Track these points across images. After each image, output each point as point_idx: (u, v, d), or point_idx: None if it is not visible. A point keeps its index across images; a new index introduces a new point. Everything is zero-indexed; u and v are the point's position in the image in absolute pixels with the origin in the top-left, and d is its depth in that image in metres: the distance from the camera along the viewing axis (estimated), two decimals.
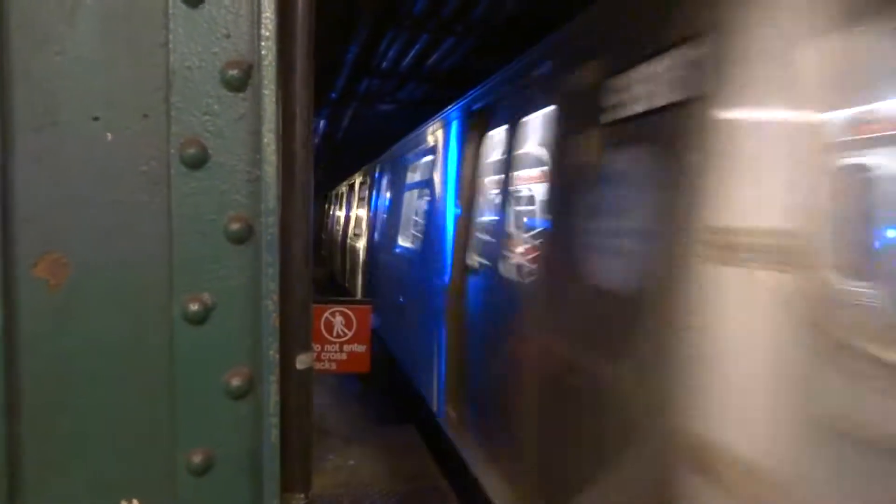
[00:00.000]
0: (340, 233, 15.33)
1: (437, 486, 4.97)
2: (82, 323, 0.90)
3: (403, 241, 7.67)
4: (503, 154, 4.14)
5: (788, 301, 1.59)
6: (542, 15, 5.46)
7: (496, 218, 4.42)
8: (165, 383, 0.94)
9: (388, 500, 4.67)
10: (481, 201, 4.83)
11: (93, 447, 0.93)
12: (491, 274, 4.15)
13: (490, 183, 4.84)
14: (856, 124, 2.77)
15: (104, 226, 0.90)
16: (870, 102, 2.67)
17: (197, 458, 0.95)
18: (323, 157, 17.30)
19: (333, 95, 9.91)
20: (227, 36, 0.90)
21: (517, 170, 4.64)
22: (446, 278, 5.00)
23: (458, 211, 4.83)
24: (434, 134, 5.94)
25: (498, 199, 4.50)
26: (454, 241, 4.88)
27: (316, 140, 14.97)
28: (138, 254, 0.92)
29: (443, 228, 5.31)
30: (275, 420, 0.95)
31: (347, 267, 13.04)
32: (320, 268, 16.92)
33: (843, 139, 2.47)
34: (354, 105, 10.89)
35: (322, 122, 13.05)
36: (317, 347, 4.24)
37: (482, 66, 5.87)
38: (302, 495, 1.09)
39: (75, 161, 0.88)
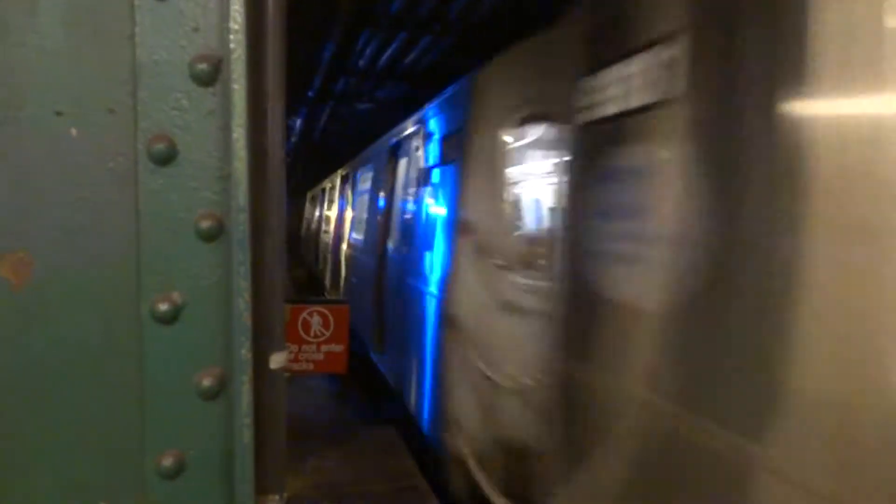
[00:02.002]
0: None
1: (417, 485, 4.96)
2: (47, 323, 0.88)
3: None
4: None
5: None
6: (520, 13, 5.48)
7: None
8: (134, 384, 0.92)
9: (368, 500, 4.65)
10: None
11: (59, 451, 0.90)
12: None
13: None
14: None
15: (69, 224, 0.88)
16: None
17: (168, 461, 0.93)
18: (301, 157, 17.17)
19: (310, 94, 9.83)
20: (196, 29, 0.88)
21: None
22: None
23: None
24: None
25: None
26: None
27: (293, 139, 14.84)
28: (105, 252, 0.89)
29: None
30: (248, 420, 0.94)
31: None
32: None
33: None
34: (332, 104, 10.81)
35: (299, 122, 12.94)
36: (294, 348, 4.20)
37: (461, 64, 5.87)
38: (277, 496, 1.07)
39: (38, 157, 0.86)
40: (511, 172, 4.21)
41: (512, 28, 4.63)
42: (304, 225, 19.47)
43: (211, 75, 0.88)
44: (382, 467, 5.25)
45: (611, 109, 2.56)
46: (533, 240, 4.15)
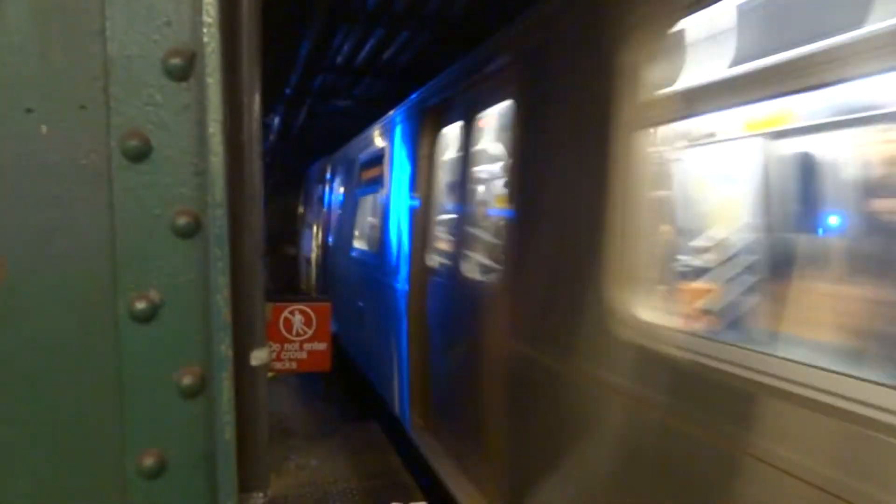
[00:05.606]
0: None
1: (401, 482, 4.96)
2: (21, 324, 0.87)
3: None
4: None
5: None
6: (496, 8, 5.49)
7: None
8: (113, 384, 0.90)
9: (352, 498, 4.65)
10: None
11: (36, 453, 0.89)
12: None
13: None
14: None
15: (42, 223, 0.86)
16: None
17: (148, 461, 0.92)
18: (280, 155, 17.01)
19: (288, 92, 9.75)
20: (168, 23, 0.87)
21: None
22: None
23: None
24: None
25: None
26: None
27: (271, 137, 14.70)
28: (79, 251, 0.88)
29: None
30: (229, 418, 0.93)
31: None
32: None
33: None
34: (310, 101, 10.73)
35: (277, 119, 12.83)
36: (277, 347, 4.18)
37: (439, 60, 5.85)
38: (260, 494, 1.07)
39: (8, 155, 0.84)
40: None
41: (488, 23, 4.63)
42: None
43: (185, 70, 0.87)
44: (366, 464, 5.24)
45: None
46: None
